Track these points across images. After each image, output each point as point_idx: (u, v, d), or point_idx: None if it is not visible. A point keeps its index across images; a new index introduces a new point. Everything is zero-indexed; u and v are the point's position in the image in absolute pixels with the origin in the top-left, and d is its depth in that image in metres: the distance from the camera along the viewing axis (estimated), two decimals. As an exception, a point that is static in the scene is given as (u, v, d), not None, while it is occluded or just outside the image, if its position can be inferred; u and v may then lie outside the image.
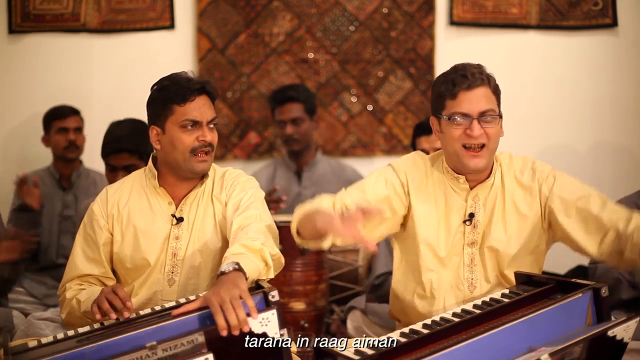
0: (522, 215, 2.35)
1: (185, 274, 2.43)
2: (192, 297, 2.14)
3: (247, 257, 2.10)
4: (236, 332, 1.86)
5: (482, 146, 2.27)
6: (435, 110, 2.35)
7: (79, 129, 4.01)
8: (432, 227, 2.37)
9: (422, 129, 3.49)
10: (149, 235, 2.44)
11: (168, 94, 2.41)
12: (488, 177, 2.36)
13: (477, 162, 2.28)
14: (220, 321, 1.86)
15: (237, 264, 2.03)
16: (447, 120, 2.28)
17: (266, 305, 1.98)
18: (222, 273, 2.01)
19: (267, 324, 1.87)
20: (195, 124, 2.39)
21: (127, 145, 3.20)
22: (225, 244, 2.42)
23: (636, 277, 2.92)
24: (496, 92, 2.31)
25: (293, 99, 4.05)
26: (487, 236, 2.35)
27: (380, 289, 3.38)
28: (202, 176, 2.48)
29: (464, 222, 2.36)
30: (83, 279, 2.46)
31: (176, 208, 2.46)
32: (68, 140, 3.96)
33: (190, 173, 2.43)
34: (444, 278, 2.37)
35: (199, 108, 2.40)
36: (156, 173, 2.47)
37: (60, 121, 3.96)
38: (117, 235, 2.46)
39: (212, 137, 2.42)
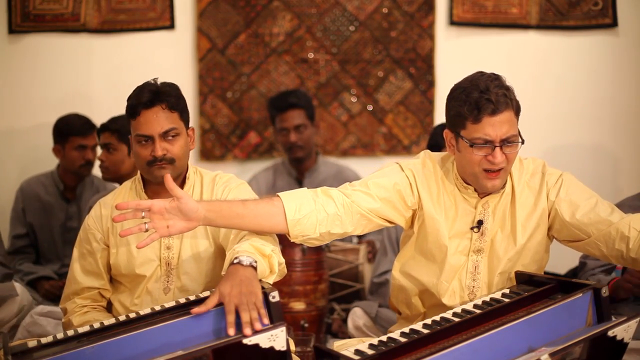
0: (531, 223, 2.32)
1: (179, 282, 2.45)
2: (191, 298, 2.15)
3: (257, 259, 2.11)
4: (247, 331, 1.87)
5: (501, 169, 2.23)
6: (452, 125, 2.27)
7: (96, 146, 3.86)
8: (441, 230, 2.33)
9: None
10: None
11: (126, 108, 2.43)
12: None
13: (495, 184, 2.25)
14: (231, 319, 1.90)
15: (256, 262, 2.06)
16: (467, 143, 2.22)
17: (267, 305, 1.99)
18: (239, 263, 2.03)
19: (275, 340, 1.88)
20: (148, 138, 2.38)
21: (110, 124, 3.44)
22: (217, 248, 2.45)
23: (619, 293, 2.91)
24: (518, 112, 2.24)
25: (295, 106, 4.00)
26: (495, 245, 2.32)
27: (382, 288, 3.37)
28: (183, 180, 2.49)
29: (472, 228, 2.33)
30: (83, 294, 2.51)
31: None
32: (86, 159, 3.84)
33: (154, 180, 2.43)
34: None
35: (147, 122, 2.38)
36: (142, 183, 2.50)
37: (81, 138, 3.82)
38: (113, 247, 2.49)
39: (167, 149, 2.38)
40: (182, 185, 2.48)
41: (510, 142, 2.20)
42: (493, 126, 2.17)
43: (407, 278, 2.42)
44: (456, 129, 2.24)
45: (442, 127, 3.53)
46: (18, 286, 3.24)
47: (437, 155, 2.43)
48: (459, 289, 2.33)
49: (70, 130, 3.83)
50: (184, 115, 2.45)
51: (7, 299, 3.03)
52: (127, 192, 2.54)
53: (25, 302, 3.33)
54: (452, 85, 2.30)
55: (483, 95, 2.17)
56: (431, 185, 2.35)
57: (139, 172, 2.52)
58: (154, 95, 2.38)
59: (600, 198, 2.32)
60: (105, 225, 2.50)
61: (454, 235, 2.33)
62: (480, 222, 2.32)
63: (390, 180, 2.34)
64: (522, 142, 2.23)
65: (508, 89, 2.21)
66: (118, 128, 3.42)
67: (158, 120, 2.38)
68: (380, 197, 2.31)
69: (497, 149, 2.19)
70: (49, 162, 4.07)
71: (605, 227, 2.24)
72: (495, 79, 2.21)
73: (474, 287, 2.33)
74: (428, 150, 2.46)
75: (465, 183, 2.32)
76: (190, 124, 2.53)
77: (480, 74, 2.24)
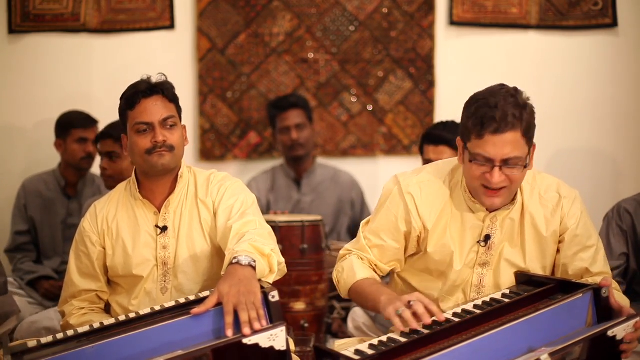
0: (541, 238, 2.28)
1: (177, 281, 2.45)
2: (191, 297, 2.15)
3: (257, 258, 2.11)
4: (246, 331, 1.87)
5: (502, 187, 2.16)
6: (462, 135, 2.21)
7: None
8: (446, 247, 2.29)
9: (430, 139, 3.35)
10: (138, 247, 2.46)
11: (122, 102, 2.47)
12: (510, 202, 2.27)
13: (494, 202, 2.18)
14: (229, 320, 1.91)
15: (255, 261, 2.07)
16: (469, 156, 2.16)
17: (266, 305, 1.99)
18: (238, 262, 2.04)
19: (275, 339, 1.88)
20: (147, 125, 2.41)
21: (111, 131, 3.31)
22: (214, 247, 2.45)
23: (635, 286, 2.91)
24: (528, 132, 2.11)
25: (295, 105, 4.08)
26: (502, 259, 2.29)
27: None
28: (176, 178, 2.49)
29: (478, 242, 2.28)
30: (81, 297, 2.50)
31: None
32: (87, 151, 3.87)
33: (152, 170, 2.43)
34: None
35: (147, 110, 2.41)
36: (137, 184, 2.49)
37: (83, 131, 3.87)
38: (109, 249, 2.49)
39: (166, 136, 2.41)
40: (175, 183, 2.48)
41: (511, 164, 2.12)
42: (495, 145, 2.09)
43: (407, 287, 2.40)
44: (464, 140, 2.20)
45: (424, 141, 3.52)
46: (19, 300, 3.24)
47: (447, 165, 2.37)
48: (463, 302, 2.30)
49: (72, 123, 3.89)
50: (179, 110, 2.50)
51: (9, 315, 3.03)
52: (122, 194, 2.54)
53: (27, 315, 3.33)
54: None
55: (489, 112, 2.09)
56: (435, 203, 2.30)
57: (133, 174, 2.52)
58: (152, 85, 2.44)
59: (600, 242, 2.32)
60: (100, 227, 2.49)
61: (461, 248, 2.29)
62: (487, 237, 2.28)
63: (396, 222, 2.30)
64: (526, 167, 2.15)
65: (523, 107, 2.11)
66: (120, 135, 3.40)
67: (157, 107, 2.42)
68: (396, 244, 2.32)
69: (496, 169, 2.11)
70: (51, 160, 4.08)
71: (583, 274, 2.27)
72: (512, 95, 2.11)
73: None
74: (437, 163, 2.41)
75: (473, 197, 2.26)
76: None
77: (500, 87, 2.16)
